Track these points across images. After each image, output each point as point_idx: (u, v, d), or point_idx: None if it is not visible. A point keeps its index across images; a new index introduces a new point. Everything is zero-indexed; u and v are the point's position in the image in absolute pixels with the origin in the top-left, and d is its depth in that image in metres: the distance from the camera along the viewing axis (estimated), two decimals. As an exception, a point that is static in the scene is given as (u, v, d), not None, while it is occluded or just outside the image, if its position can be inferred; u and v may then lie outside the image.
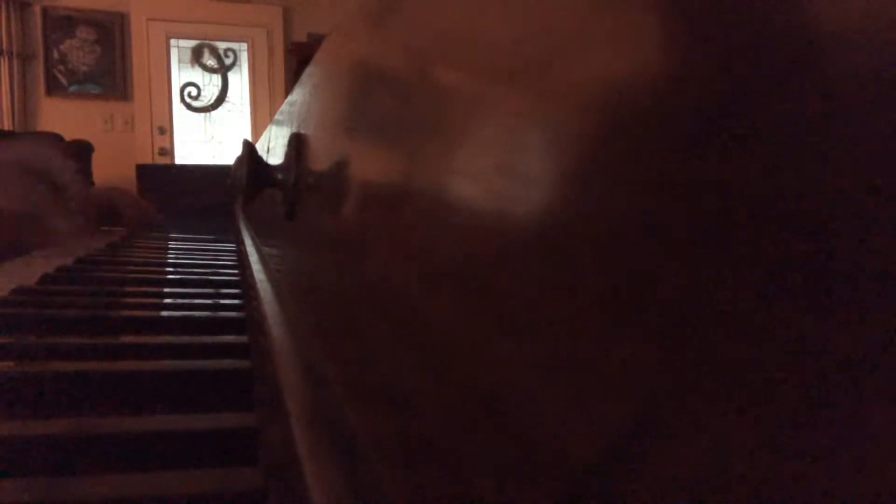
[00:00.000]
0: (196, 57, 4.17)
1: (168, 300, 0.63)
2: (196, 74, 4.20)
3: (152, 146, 4.06)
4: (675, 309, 0.09)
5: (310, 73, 0.50)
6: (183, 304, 0.60)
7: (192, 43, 4.15)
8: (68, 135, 3.34)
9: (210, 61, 4.20)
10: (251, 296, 0.54)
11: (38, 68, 3.86)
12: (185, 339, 0.47)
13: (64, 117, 3.85)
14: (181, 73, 4.17)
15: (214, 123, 4.26)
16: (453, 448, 0.15)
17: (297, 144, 0.46)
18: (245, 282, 0.66)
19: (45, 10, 3.82)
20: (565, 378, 0.11)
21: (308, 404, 0.26)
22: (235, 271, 0.78)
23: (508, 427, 0.12)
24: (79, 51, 3.92)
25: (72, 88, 3.93)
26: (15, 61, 3.71)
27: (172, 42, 4.12)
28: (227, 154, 4.19)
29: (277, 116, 0.74)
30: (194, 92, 4.20)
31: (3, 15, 3.66)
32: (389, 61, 0.25)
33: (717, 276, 0.08)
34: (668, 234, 0.09)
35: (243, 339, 0.48)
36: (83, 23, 3.91)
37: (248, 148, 0.45)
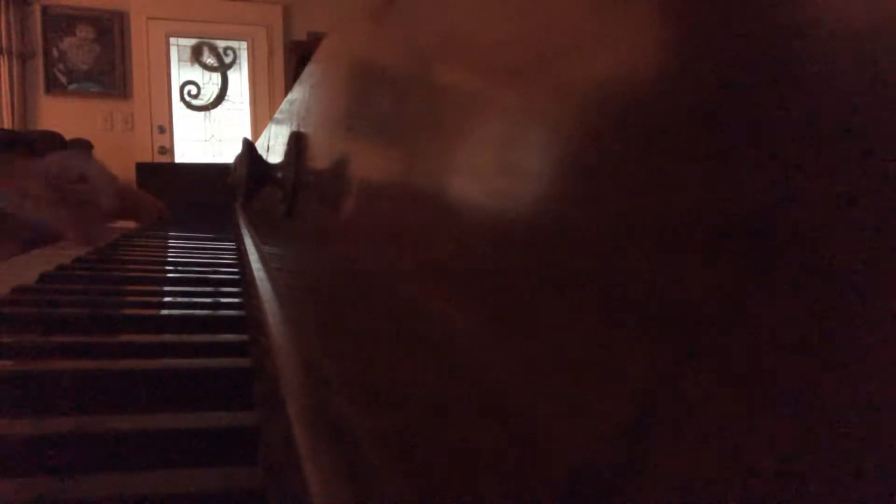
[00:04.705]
0: (196, 55, 4.17)
1: (168, 299, 0.63)
2: (196, 73, 4.19)
3: (152, 145, 4.06)
4: (675, 308, 0.09)
5: (309, 72, 0.49)
6: (183, 302, 0.60)
7: (192, 41, 4.15)
8: (68, 133, 3.34)
9: (210, 60, 4.19)
10: (251, 294, 0.54)
11: (38, 67, 3.85)
12: (185, 337, 0.47)
13: (63, 116, 3.85)
14: (181, 72, 4.16)
15: (214, 122, 4.26)
16: (454, 446, 0.15)
17: (296, 143, 0.46)
18: (245, 280, 0.66)
19: (44, 9, 3.81)
20: (566, 376, 0.11)
21: (308, 403, 0.26)
22: (235, 269, 0.78)
23: (510, 426, 0.12)
24: (78, 49, 3.91)
25: (71, 87, 3.92)
26: (14, 60, 3.71)
27: (172, 41, 4.11)
28: (226, 153, 4.19)
29: (277, 115, 0.74)
30: (194, 90, 4.20)
31: (3, 13, 3.66)
32: (389, 60, 0.25)
33: (717, 276, 0.08)
34: (667, 233, 0.09)
35: (243, 337, 0.47)
36: (83, 21, 3.91)
37: (248, 146, 0.45)
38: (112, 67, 3.98)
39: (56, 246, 0.93)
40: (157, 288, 0.68)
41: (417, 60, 0.22)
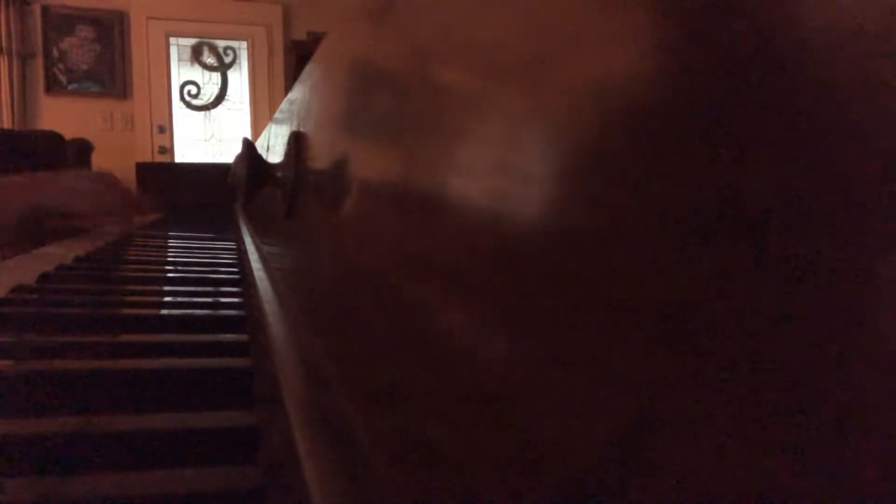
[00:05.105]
0: (196, 55, 4.17)
1: (168, 298, 0.63)
2: (196, 73, 4.19)
3: (152, 144, 4.06)
4: (674, 308, 0.09)
5: (309, 72, 0.49)
6: (183, 302, 0.60)
7: (192, 41, 4.15)
8: (68, 133, 3.34)
9: (210, 59, 4.19)
10: (251, 294, 0.54)
11: (38, 66, 3.85)
12: (185, 337, 0.47)
13: (63, 116, 3.85)
14: (181, 72, 4.17)
15: (214, 122, 4.26)
16: (454, 446, 0.15)
17: (296, 143, 0.46)
18: (245, 280, 0.66)
19: (44, 9, 3.81)
20: (566, 376, 0.11)
21: (308, 403, 0.26)
22: (235, 269, 0.78)
23: (510, 426, 0.12)
24: (78, 49, 3.91)
25: (71, 87, 3.92)
26: (15, 59, 3.71)
27: (172, 40, 4.11)
28: (226, 152, 4.19)
29: (277, 115, 0.74)
30: (194, 90, 4.20)
31: (3, 13, 3.66)
32: (389, 60, 0.25)
33: (716, 276, 0.08)
34: (667, 232, 0.09)
35: (243, 337, 0.47)
36: (83, 21, 3.91)
37: (248, 146, 0.45)
38: (112, 67, 3.98)
39: (60, 245, 0.93)
40: (157, 288, 0.68)
41: (417, 60, 0.22)
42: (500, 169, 0.14)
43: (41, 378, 0.37)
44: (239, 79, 4.25)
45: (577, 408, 0.11)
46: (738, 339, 0.08)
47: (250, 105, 4.25)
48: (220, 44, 4.19)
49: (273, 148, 0.67)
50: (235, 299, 0.62)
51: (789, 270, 0.07)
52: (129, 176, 2.32)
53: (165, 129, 4.10)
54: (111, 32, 3.96)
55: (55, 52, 3.87)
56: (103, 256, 0.85)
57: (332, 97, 0.37)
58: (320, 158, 0.37)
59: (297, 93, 0.54)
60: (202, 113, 4.23)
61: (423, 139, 0.20)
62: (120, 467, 0.30)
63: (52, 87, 3.88)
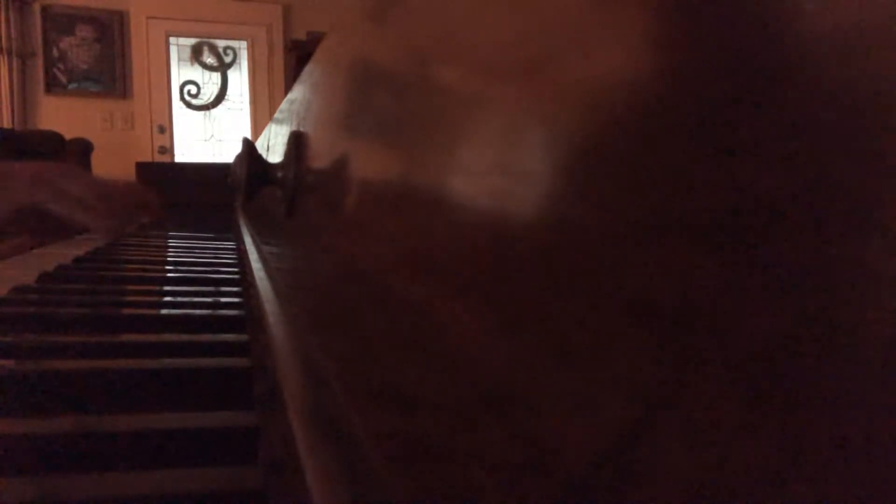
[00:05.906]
0: (196, 55, 4.17)
1: (168, 298, 0.63)
2: (196, 72, 4.19)
3: (152, 144, 4.06)
4: (674, 307, 0.09)
5: (309, 71, 0.49)
6: (182, 302, 0.60)
7: (192, 41, 4.15)
8: (68, 133, 3.34)
9: (210, 59, 4.19)
10: (251, 294, 0.54)
11: (38, 66, 3.85)
12: (185, 337, 0.47)
13: (63, 115, 3.85)
14: (181, 72, 4.17)
15: (214, 121, 4.26)
16: (454, 446, 0.15)
17: (296, 142, 0.46)
18: (245, 280, 0.66)
19: (44, 9, 3.81)
20: (566, 376, 0.11)
21: (308, 403, 0.26)
22: (235, 269, 0.78)
23: (510, 426, 0.12)
24: (78, 49, 3.91)
25: (71, 86, 3.92)
26: (14, 59, 3.71)
27: (172, 40, 4.11)
28: (226, 152, 4.19)
29: (277, 115, 0.74)
30: (194, 90, 4.20)
31: (3, 13, 3.66)
32: (388, 59, 0.25)
33: (715, 275, 0.08)
34: (666, 232, 0.09)
35: (243, 337, 0.47)
36: (83, 21, 3.91)
37: (248, 146, 0.45)
38: (112, 67, 3.98)
39: (60, 245, 0.93)
40: (157, 287, 0.68)
41: (417, 60, 0.22)
42: (500, 168, 0.14)
43: (41, 378, 0.37)
44: (239, 79, 4.25)
45: (577, 409, 0.11)
46: (739, 341, 0.08)
47: (250, 105, 4.25)
48: (220, 43, 4.19)
49: (273, 148, 0.67)
50: (235, 299, 0.62)
51: (792, 271, 0.07)
52: (129, 176, 2.32)
53: (165, 128, 4.10)
54: (111, 32, 3.96)
55: (55, 52, 3.87)
56: (103, 256, 0.85)
57: (332, 97, 0.37)
58: (320, 158, 0.37)
59: (297, 93, 0.54)
60: (202, 113, 4.24)
61: (422, 138, 0.20)
62: (120, 467, 0.30)
63: (52, 86, 3.88)
